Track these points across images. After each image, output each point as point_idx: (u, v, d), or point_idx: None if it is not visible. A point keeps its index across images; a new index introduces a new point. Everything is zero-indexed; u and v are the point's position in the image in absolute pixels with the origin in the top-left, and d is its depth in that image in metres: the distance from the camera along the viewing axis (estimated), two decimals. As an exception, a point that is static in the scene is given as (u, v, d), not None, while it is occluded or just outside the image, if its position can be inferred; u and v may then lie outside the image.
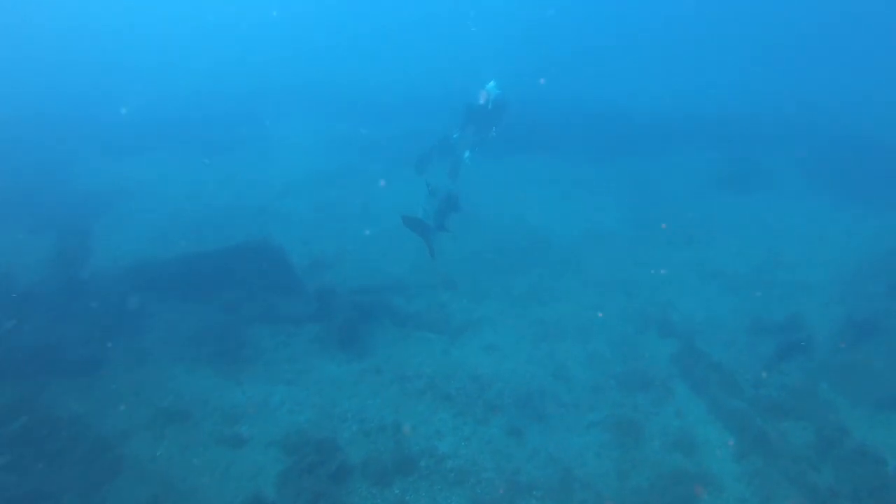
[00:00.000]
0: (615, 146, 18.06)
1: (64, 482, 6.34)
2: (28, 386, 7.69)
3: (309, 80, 25.11)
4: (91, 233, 12.20)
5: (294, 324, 9.36)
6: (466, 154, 13.84)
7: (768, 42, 30.33)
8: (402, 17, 37.67)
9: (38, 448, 6.72)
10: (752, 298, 10.07)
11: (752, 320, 9.31)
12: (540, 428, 7.19)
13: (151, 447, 6.90)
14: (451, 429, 7.18)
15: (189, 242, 11.74)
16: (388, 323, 9.43)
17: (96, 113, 20.43)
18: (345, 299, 9.73)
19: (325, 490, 6.24)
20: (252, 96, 22.71)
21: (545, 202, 14.28)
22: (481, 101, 13.11)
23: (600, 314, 9.56)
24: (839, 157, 16.41)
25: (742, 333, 9.04)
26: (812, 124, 19.19)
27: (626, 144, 18.28)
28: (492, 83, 13.41)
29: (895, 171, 14.93)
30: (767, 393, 7.61)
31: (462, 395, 7.70)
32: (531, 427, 7.20)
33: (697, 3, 33.33)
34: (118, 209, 13.69)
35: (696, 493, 6.23)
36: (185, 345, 8.80)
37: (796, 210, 13.89)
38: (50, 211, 12.98)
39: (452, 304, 9.90)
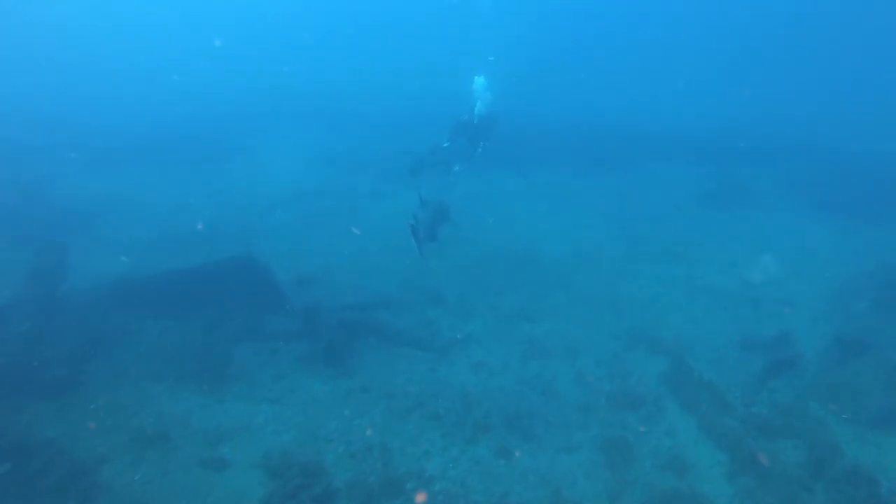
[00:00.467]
0: (601, 160, 18.13)
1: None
2: (3, 407, 7.44)
3: (298, 93, 25.09)
4: (71, 248, 11.94)
5: (279, 341, 9.18)
6: (456, 167, 13.88)
7: (750, 57, 30.86)
8: (393, 24, 37.82)
9: (11, 474, 6.47)
10: (740, 315, 10.05)
11: (740, 337, 9.27)
12: (529, 448, 7.07)
13: (129, 472, 6.67)
14: (440, 449, 7.03)
15: (173, 258, 11.53)
16: (375, 340, 9.28)
17: (81, 121, 20.22)
18: (331, 316, 9.58)
19: (309, 515, 6.06)
20: (242, 108, 22.62)
21: (533, 217, 14.24)
22: (466, 118, 13.17)
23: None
24: (820, 171, 16.59)
25: (731, 350, 9.00)
26: (793, 139, 19.42)
27: (611, 158, 18.36)
28: (480, 79, 13.46)
29: (877, 186, 15.09)
30: (758, 411, 7.54)
31: (450, 415, 7.56)
32: (520, 447, 7.07)
33: (680, 19, 33.87)
34: (101, 223, 13.46)
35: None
36: (166, 363, 8.58)
37: (780, 225, 13.97)
38: (29, 225, 12.72)
39: (440, 321, 9.78)
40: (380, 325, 9.60)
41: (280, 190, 15.50)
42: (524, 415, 7.56)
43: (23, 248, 11.49)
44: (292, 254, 12.01)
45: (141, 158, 17.35)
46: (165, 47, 31.12)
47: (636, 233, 13.39)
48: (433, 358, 8.82)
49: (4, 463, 6.44)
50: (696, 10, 33.68)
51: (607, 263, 11.96)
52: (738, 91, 25.75)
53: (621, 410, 7.69)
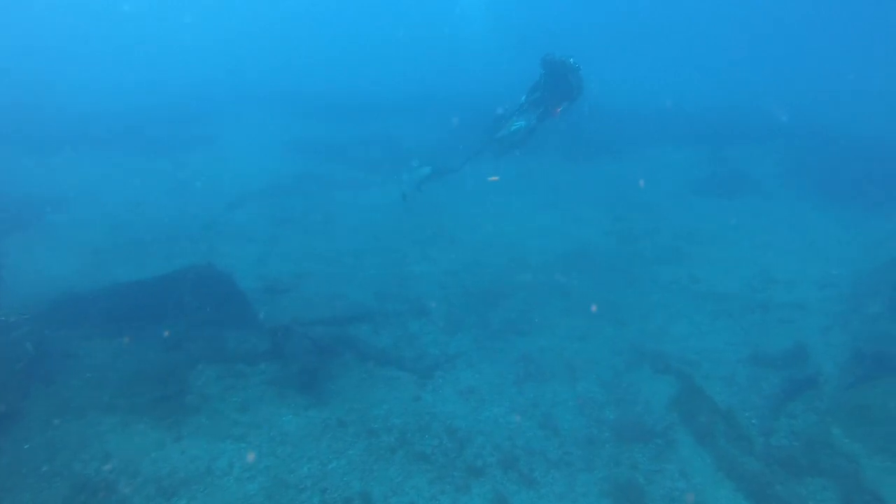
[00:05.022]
0: (588, 144, 17.23)
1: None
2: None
3: (269, 76, 23.76)
4: (7, 253, 10.76)
5: (245, 362, 8.22)
6: (519, 123, 10.53)
7: (751, 37, 29.99)
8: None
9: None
10: (748, 323, 9.30)
11: (751, 350, 8.53)
12: (529, 496, 6.25)
13: (67, 537, 5.73)
14: (428, 499, 6.18)
15: (126, 265, 10.46)
16: (352, 359, 8.37)
17: (27, 103, 18.77)
18: (303, 331, 8.63)
19: None
20: (204, 93, 21.27)
21: (521, 214, 13.31)
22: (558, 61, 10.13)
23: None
24: (823, 156, 15.84)
25: (742, 367, 8.25)
26: (794, 122, 18.67)
27: (598, 142, 17.48)
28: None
29: (882, 172, 14.37)
30: (779, 442, 6.80)
31: (438, 454, 6.70)
32: (519, 495, 6.25)
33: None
34: (46, 222, 12.24)
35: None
36: (117, 392, 7.58)
37: (783, 217, 13.22)
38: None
39: (424, 337, 8.89)
40: (357, 341, 8.69)
41: (246, 183, 14.36)
42: (522, 453, 6.74)
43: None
44: (260, 257, 10.99)
45: (94, 148, 16.02)
46: (123, 30, 29.43)
47: (631, 228, 12.55)
48: (417, 381, 7.94)
49: None
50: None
51: (602, 265, 11.12)
52: (744, 73, 24.73)
53: (629, 445, 6.90)
